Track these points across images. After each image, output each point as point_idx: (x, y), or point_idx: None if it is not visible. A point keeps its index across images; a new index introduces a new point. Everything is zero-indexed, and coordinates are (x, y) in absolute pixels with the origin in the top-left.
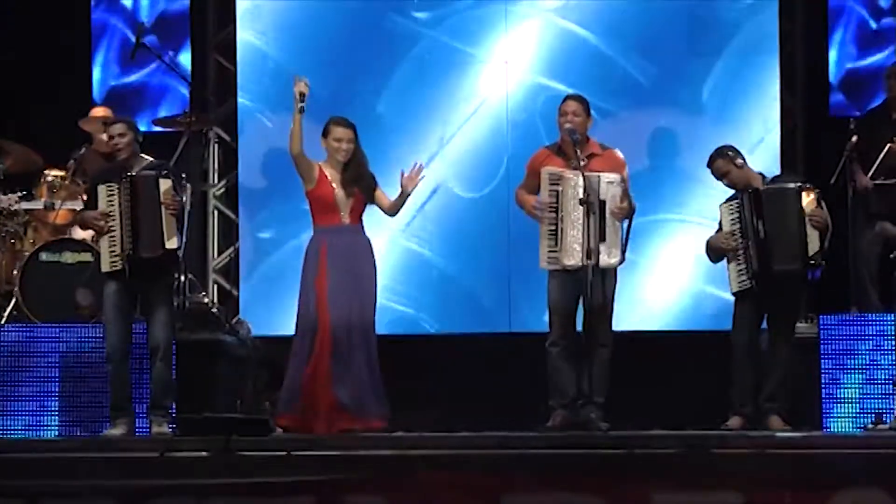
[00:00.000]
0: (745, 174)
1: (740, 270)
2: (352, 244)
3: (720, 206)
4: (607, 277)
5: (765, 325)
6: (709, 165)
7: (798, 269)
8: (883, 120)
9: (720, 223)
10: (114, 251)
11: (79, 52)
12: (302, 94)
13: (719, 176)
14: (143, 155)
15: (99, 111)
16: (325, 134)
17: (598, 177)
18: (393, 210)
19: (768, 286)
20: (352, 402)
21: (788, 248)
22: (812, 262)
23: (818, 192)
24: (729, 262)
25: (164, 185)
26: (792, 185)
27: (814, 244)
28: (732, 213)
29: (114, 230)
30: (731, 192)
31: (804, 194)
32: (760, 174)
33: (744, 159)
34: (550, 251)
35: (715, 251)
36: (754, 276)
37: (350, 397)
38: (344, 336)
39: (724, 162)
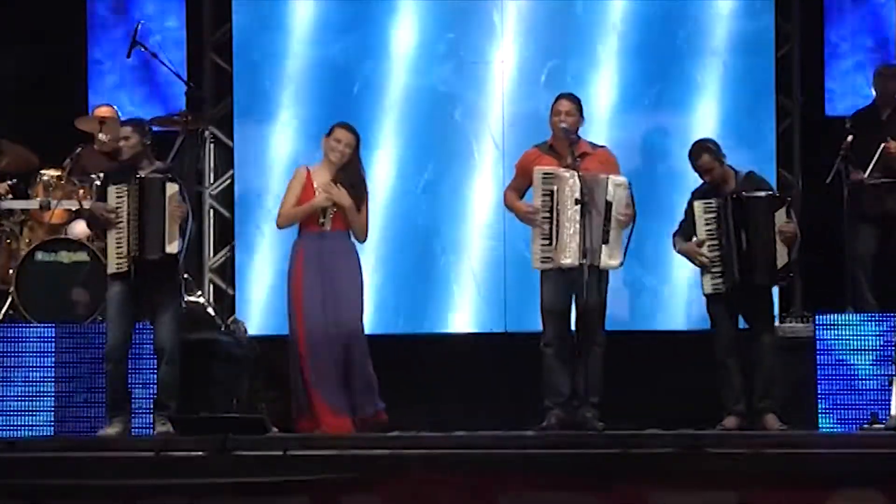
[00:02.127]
0: (725, 171)
1: (715, 274)
2: (329, 250)
3: (694, 201)
4: (602, 278)
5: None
6: (693, 157)
7: (769, 283)
8: (873, 120)
9: (688, 218)
10: (120, 253)
11: (75, 50)
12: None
13: (703, 171)
14: (152, 158)
15: (102, 110)
16: (328, 134)
17: (607, 178)
18: (360, 236)
19: (743, 294)
20: (339, 402)
21: (764, 260)
22: (780, 275)
23: (788, 200)
24: (703, 270)
25: (171, 189)
26: (764, 195)
27: (782, 257)
28: (709, 214)
29: (121, 231)
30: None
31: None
32: (731, 168)
33: (724, 156)
34: (544, 251)
35: (685, 255)
36: (733, 285)
37: (336, 397)
38: (320, 339)
39: (711, 158)
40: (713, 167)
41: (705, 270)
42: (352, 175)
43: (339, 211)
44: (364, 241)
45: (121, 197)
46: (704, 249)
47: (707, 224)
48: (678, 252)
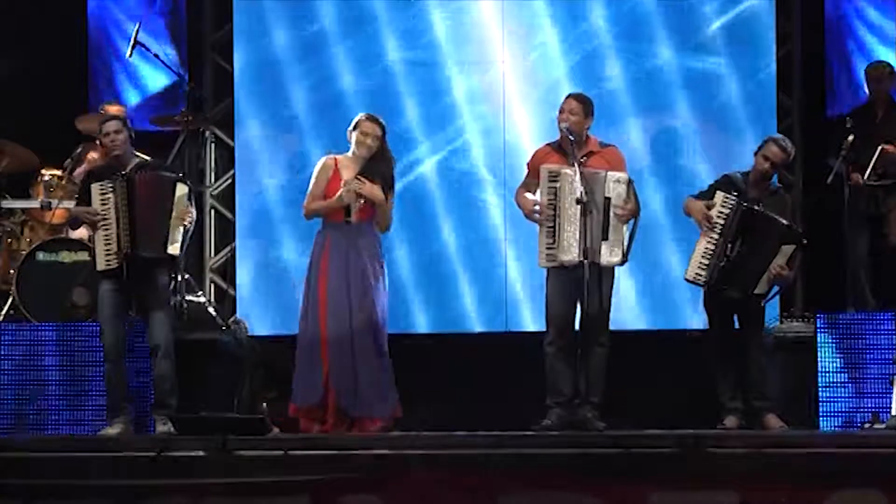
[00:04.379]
0: (768, 174)
1: (701, 265)
2: (354, 243)
3: (718, 191)
4: (605, 277)
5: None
6: (786, 151)
7: (740, 297)
8: (868, 120)
9: (709, 198)
10: (109, 249)
11: (75, 50)
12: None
13: (768, 160)
14: (136, 153)
15: (113, 109)
16: (355, 126)
17: (605, 174)
18: (383, 225)
19: (716, 293)
20: (347, 402)
21: (744, 278)
22: (754, 298)
23: (803, 243)
24: (696, 249)
25: (181, 190)
26: (777, 221)
27: (761, 288)
28: (724, 209)
29: (109, 228)
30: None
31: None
32: None
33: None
34: (549, 249)
35: (690, 212)
36: (707, 283)
37: (346, 396)
38: (342, 334)
39: (785, 158)
40: (776, 164)
41: (696, 256)
42: (381, 166)
43: (366, 203)
44: (386, 230)
45: (105, 194)
46: (713, 213)
47: (718, 216)
48: (685, 206)
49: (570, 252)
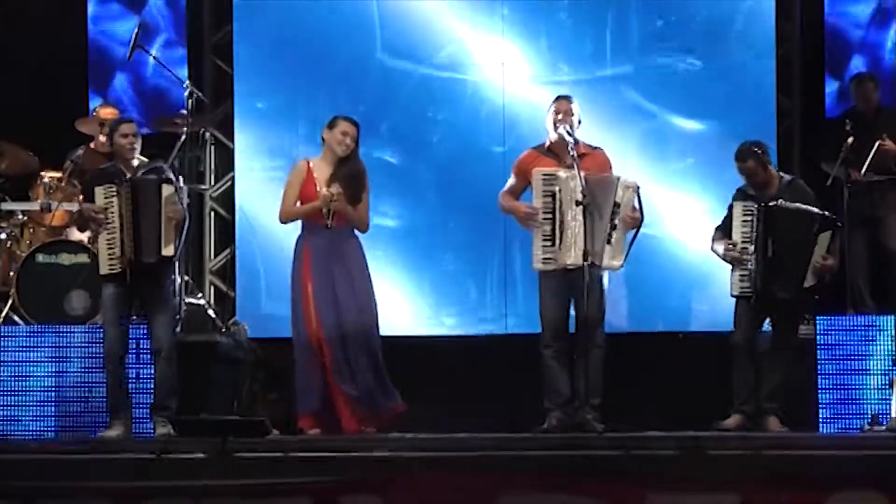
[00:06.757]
0: (768, 176)
1: (743, 277)
2: (335, 245)
3: (733, 201)
4: (598, 280)
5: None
6: (739, 160)
7: (791, 299)
8: (862, 120)
9: (728, 217)
10: (112, 254)
11: (75, 51)
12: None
13: (747, 174)
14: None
15: (106, 112)
16: (332, 126)
17: (617, 179)
18: (361, 228)
19: (767, 301)
20: (362, 396)
21: (789, 276)
22: (805, 295)
23: (838, 227)
24: (733, 267)
25: (167, 190)
26: (816, 212)
27: (809, 282)
28: (746, 217)
29: (112, 233)
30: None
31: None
32: (777, 172)
33: (770, 160)
34: (546, 252)
35: (722, 257)
36: (755, 292)
37: (358, 391)
38: (337, 335)
39: (756, 164)
40: (757, 172)
41: (735, 268)
42: (353, 167)
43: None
44: (366, 231)
45: (109, 198)
46: (738, 249)
47: (743, 227)
48: (713, 250)
49: (572, 254)
